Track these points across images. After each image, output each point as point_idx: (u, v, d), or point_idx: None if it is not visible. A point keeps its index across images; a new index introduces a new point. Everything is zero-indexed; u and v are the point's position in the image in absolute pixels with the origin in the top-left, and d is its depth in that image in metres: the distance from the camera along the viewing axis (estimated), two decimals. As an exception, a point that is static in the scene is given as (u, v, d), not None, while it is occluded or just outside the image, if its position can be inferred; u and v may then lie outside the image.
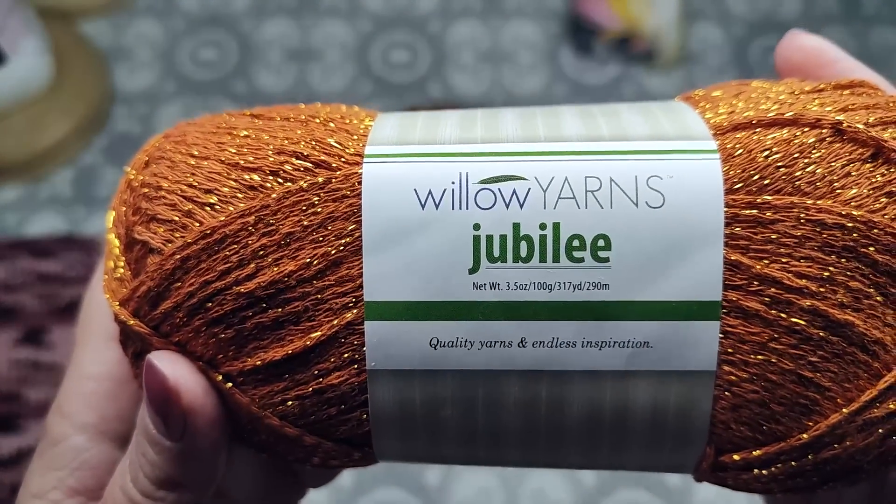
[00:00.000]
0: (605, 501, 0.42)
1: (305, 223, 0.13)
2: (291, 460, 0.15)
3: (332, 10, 0.58)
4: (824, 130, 0.13)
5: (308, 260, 0.13)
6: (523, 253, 0.13)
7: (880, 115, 0.13)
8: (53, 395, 0.17)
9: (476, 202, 0.13)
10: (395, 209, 0.13)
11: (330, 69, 0.56)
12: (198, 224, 0.13)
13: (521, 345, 0.13)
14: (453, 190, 0.13)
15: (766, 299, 0.13)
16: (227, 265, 0.13)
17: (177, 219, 0.14)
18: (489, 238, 0.13)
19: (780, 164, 0.13)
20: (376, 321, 0.13)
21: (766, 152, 0.13)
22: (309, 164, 0.14)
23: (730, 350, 0.13)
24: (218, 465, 0.14)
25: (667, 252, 0.13)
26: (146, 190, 0.14)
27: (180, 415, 0.13)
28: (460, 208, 0.13)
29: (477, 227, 0.13)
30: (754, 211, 0.13)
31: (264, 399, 0.14)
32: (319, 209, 0.13)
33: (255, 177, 0.13)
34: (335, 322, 0.13)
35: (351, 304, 0.13)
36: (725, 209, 0.13)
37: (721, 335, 0.13)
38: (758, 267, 0.13)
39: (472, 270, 0.13)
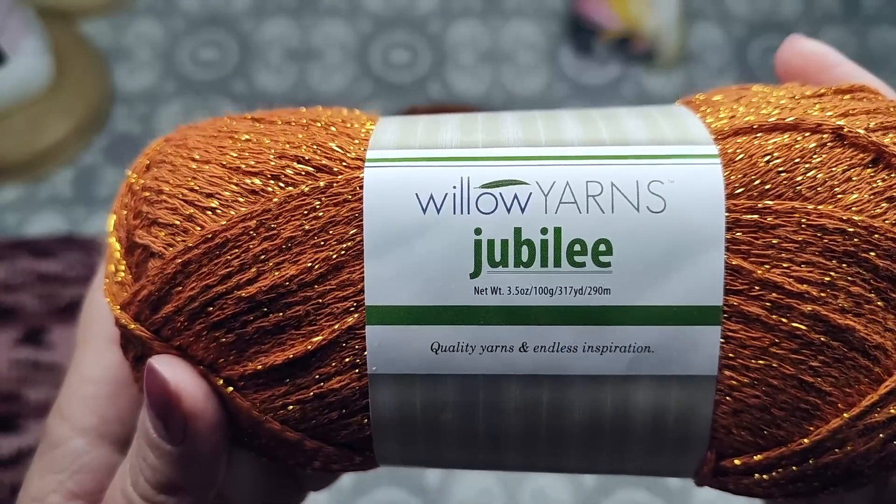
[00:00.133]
0: (606, 502, 0.42)
1: (307, 227, 0.13)
2: (292, 464, 0.15)
3: (332, 10, 0.58)
4: (825, 135, 0.13)
5: (309, 264, 0.13)
6: (524, 258, 0.13)
7: (881, 120, 0.14)
8: (53, 396, 0.17)
9: (477, 207, 0.13)
10: (396, 213, 0.13)
11: (330, 69, 0.56)
12: (199, 228, 0.13)
13: (522, 349, 0.13)
14: (454, 194, 0.13)
15: (767, 304, 0.13)
16: (228, 269, 0.13)
17: (178, 223, 0.14)
18: (490, 243, 0.13)
19: (780, 168, 0.13)
20: (377, 325, 0.13)
21: (767, 157, 0.13)
22: (310, 169, 0.14)
23: (731, 355, 0.13)
24: (218, 469, 0.14)
25: (668, 257, 0.13)
26: (147, 194, 0.14)
27: (181, 419, 0.13)
28: (461, 213, 0.13)
29: (478, 231, 0.13)
30: (755, 216, 0.13)
31: (265, 403, 0.14)
32: (321, 213, 0.13)
33: (257, 181, 0.13)
34: (336, 326, 0.13)
35: (352, 309, 0.13)
36: (726, 214, 0.13)
37: (722, 340, 0.13)
38: (759, 272, 0.13)
39: (474, 275, 0.13)
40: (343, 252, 0.13)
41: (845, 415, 0.13)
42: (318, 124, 0.14)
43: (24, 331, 0.42)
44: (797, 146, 0.13)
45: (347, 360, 0.13)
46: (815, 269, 0.13)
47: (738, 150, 0.13)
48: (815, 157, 0.13)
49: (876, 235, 0.13)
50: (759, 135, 0.13)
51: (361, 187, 0.13)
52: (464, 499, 0.42)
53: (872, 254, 0.13)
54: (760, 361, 0.13)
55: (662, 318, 0.13)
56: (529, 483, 0.42)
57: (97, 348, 0.16)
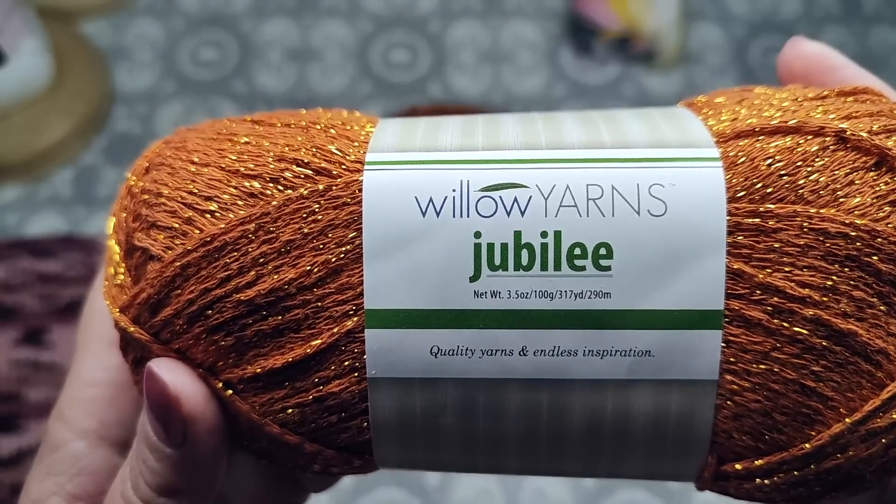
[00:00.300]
0: (606, 502, 0.42)
1: (306, 231, 0.13)
2: (292, 467, 0.15)
3: (332, 10, 0.58)
4: (828, 138, 0.13)
5: (308, 267, 0.13)
6: (524, 261, 0.13)
7: (884, 122, 0.13)
8: (53, 396, 0.16)
9: (477, 210, 0.13)
10: (395, 217, 0.13)
11: (330, 69, 0.56)
12: (198, 231, 0.13)
13: (522, 353, 0.13)
14: (454, 197, 0.13)
15: (769, 308, 0.13)
16: (227, 272, 0.13)
17: (177, 226, 0.14)
18: (490, 246, 0.13)
19: (783, 172, 0.13)
20: (377, 329, 0.13)
21: (769, 160, 0.13)
22: (309, 172, 0.13)
23: (732, 359, 0.13)
24: (218, 472, 0.14)
25: (669, 260, 0.13)
26: (146, 196, 0.14)
27: (181, 422, 0.13)
28: (461, 216, 0.13)
29: (478, 234, 0.13)
30: (757, 219, 0.13)
31: (264, 406, 0.14)
32: (320, 217, 0.13)
33: (256, 184, 0.13)
34: (335, 330, 0.13)
35: (351, 312, 0.13)
36: (728, 218, 0.13)
37: (723, 344, 0.13)
38: (760, 276, 0.13)
39: (473, 278, 0.13)
40: (342, 255, 0.13)
41: (847, 420, 0.13)
42: (318, 127, 0.14)
43: (24, 331, 0.42)
44: (799, 149, 0.13)
45: (347, 363, 0.13)
46: (817, 274, 0.13)
47: (739, 153, 0.13)
48: (817, 160, 0.13)
49: (879, 239, 0.12)
50: (761, 137, 0.13)
51: (361, 190, 0.13)
52: (464, 499, 0.42)
53: (875, 258, 0.12)
54: (762, 366, 0.13)
55: (663, 322, 0.13)
56: (529, 484, 0.42)
57: (97, 351, 0.16)
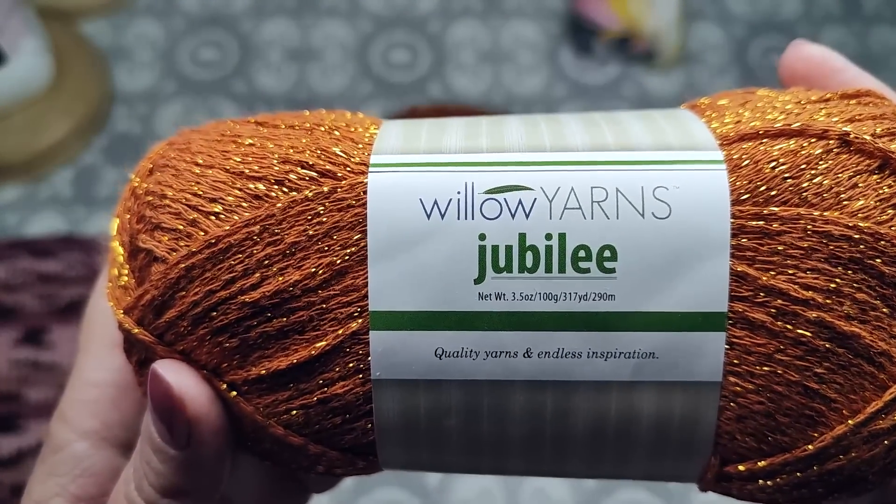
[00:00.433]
0: (606, 502, 0.42)
1: (310, 233, 0.13)
2: (295, 469, 0.15)
3: (332, 10, 0.58)
4: (831, 141, 0.13)
5: (313, 269, 0.13)
6: (529, 263, 0.13)
7: (887, 125, 0.13)
8: (53, 396, 0.16)
9: (482, 212, 0.13)
10: (400, 219, 0.13)
11: (330, 69, 0.56)
12: (202, 233, 0.13)
13: (526, 355, 0.13)
14: (459, 199, 0.13)
15: (773, 310, 0.13)
16: (231, 274, 0.13)
17: (181, 227, 0.14)
18: (495, 248, 0.13)
19: (786, 175, 0.13)
20: (381, 331, 0.13)
21: (773, 163, 0.13)
22: (314, 174, 0.13)
23: (735, 361, 0.13)
24: (222, 474, 0.14)
25: (673, 263, 0.13)
26: (150, 198, 0.14)
27: (185, 424, 0.13)
28: (466, 218, 0.13)
29: (482, 237, 0.13)
30: (761, 222, 0.13)
31: (269, 408, 0.14)
32: (324, 219, 0.13)
33: (261, 186, 0.13)
34: (340, 332, 0.13)
35: (356, 314, 0.13)
36: (732, 220, 0.13)
37: (727, 346, 0.13)
38: (764, 278, 0.13)
39: (478, 280, 0.13)
40: (347, 257, 0.13)
41: (850, 421, 0.13)
42: (322, 128, 0.14)
43: (24, 331, 0.42)
44: (803, 152, 0.13)
45: (351, 365, 0.13)
46: (821, 276, 0.13)
47: (743, 156, 0.13)
48: (821, 163, 0.13)
49: (882, 242, 0.13)
50: (764, 140, 0.13)
51: (365, 192, 0.13)
52: (464, 499, 0.42)
53: (878, 260, 0.13)
54: (765, 368, 0.13)
55: (667, 324, 0.13)
56: (530, 484, 0.42)
57: (100, 352, 0.16)
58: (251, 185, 0.13)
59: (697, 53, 0.56)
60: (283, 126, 0.15)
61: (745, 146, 0.13)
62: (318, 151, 0.14)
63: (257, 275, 0.13)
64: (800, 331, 0.13)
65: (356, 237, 0.13)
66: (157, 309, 0.14)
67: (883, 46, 0.57)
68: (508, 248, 0.13)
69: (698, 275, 0.13)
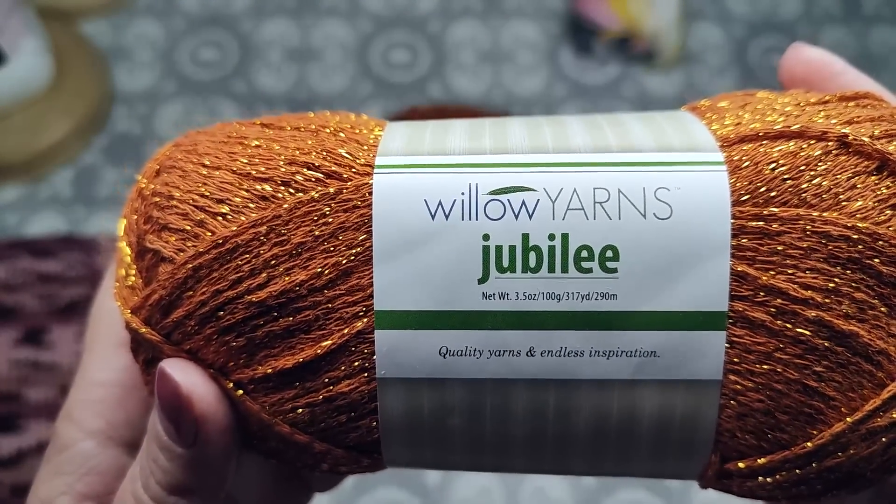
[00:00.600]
0: (606, 501, 0.42)
1: (316, 233, 0.13)
2: (300, 467, 0.15)
3: (332, 10, 0.58)
4: (830, 143, 0.13)
5: (319, 269, 0.13)
6: (532, 263, 0.13)
7: (885, 127, 0.14)
8: (53, 396, 0.17)
9: (485, 213, 0.13)
10: (405, 219, 0.13)
11: (330, 69, 0.56)
12: (210, 233, 0.14)
13: (529, 354, 0.13)
14: (463, 200, 0.13)
15: (772, 310, 0.13)
16: (238, 274, 0.13)
17: (189, 228, 0.14)
18: (498, 248, 0.13)
19: (786, 176, 0.13)
20: (386, 330, 0.13)
21: (773, 164, 0.13)
22: (320, 175, 0.14)
23: (736, 360, 0.13)
24: (228, 472, 0.15)
25: (674, 263, 0.13)
26: (158, 199, 0.14)
27: (192, 422, 0.13)
28: (470, 219, 0.13)
29: (486, 237, 0.13)
30: (761, 223, 0.13)
31: (275, 406, 0.14)
32: (330, 219, 0.13)
33: (267, 187, 0.14)
34: (346, 331, 0.13)
35: (361, 314, 0.13)
36: (732, 221, 0.13)
37: (727, 345, 0.13)
38: (764, 278, 0.13)
39: (482, 280, 0.13)
40: (352, 257, 0.13)
41: (848, 419, 0.13)
42: (327, 130, 0.15)
43: (24, 331, 0.42)
44: (802, 154, 0.13)
45: (356, 364, 0.13)
46: (820, 276, 0.13)
47: (743, 158, 0.13)
48: (820, 164, 0.13)
49: (880, 242, 0.13)
50: (764, 142, 0.14)
51: (371, 193, 0.13)
52: (464, 498, 0.42)
53: (876, 260, 0.13)
54: (765, 366, 0.13)
55: (668, 323, 0.13)
56: (530, 483, 0.42)
57: (105, 352, 0.16)
58: (258, 187, 0.14)
59: (697, 53, 0.56)
60: (289, 128, 0.15)
61: (745, 148, 0.14)
62: (324, 153, 0.14)
63: (264, 275, 0.13)
64: (799, 329, 0.13)
65: (361, 237, 0.13)
66: (164, 308, 0.14)
67: (883, 46, 0.57)
68: (512, 249, 0.13)
69: (699, 274, 0.13)
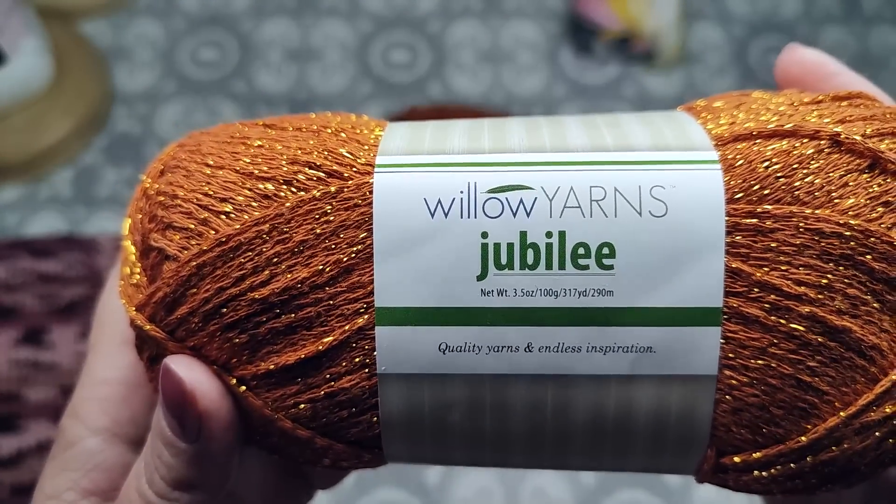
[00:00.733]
0: (606, 501, 0.42)
1: (318, 231, 0.13)
2: (302, 462, 0.15)
3: (332, 10, 0.58)
4: (823, 142, 0.14)
5: (321, 267, 0.13)
6: (530, 260, 0.13)
7: (877, 126, 0.14)
8: (53, 396, 0.17)
9: (484, 211, 0.13)
10: (405, 218, 0.13)
11: (330, 69, 0.56)
12: (213, 232, 0.14)
13: (527, 349, 0.13)
14: (462, 199, 0.13)
15: (766, 306, 0.13)
16: (241, 272, 0.13)
17: (192, 226, 0.14)
18: (497, 246, 0.13)
19: (779, 174, 0.13)
20: (387, 326, 0.13)
21: (766, 163, 0.13)
22: (322, 174, 0.14)
23: (731, 355, 0.13)
24: (231, 467, 0.15)
25: (670, 260, 0.13)
26: (162, 198, 0.15)
27: (196, 418, 0.14)
28: (469, 217, 0.13)
29: (485, 235, 0.13)
30: (754, 220, 0.13)
31: (277, 402, 0.14)
32: (332, 217, 0.13)
33: (270, 186, 0.14)
34: (347, 327, 0.13)
35: (362, 310, 0.13)
36: (727, 218, 0.13)
37: (722, 340, 0.13)
38: (758, 274, 0.13)
39: (481, 277, 0.13)
40: (353, 255, 0.13)
41: (842, 413, 0.13)
42: (329, 130, 0.15)
43: (24, 331, 0.42)
44: (795, 152, 0.14)
45: (357, 359, 0.14)
46: (813, 272, 0.13)
47: (737, 156, 0.14)
48: (812, 162, 0.13)
49: (872, 239, 0.13)
50: (758, 141, 0.14)
51: (371, 192, 0.14)
52: (464, 498, 0.42)
53: (868, 257, 0.13)
54: (759, 361, 0.13)
55: (664, 319, 0.13)
56: (529, 482, 0.43)
57: (110, 350, 0.17)
58: (261, 186, 0.14)
59: (697, 53, 0.57)
60: (291, 128, 0.15)
61: (739, 146, 0.14)
62: (326, 152, 0.14)
63: (266, 272, 0.13)
64: (793, 325, 0.13)
65: (362, 235, 0.13)
66: (168, 306, 0.14)
67: (883, 46, 0.57)
68: (510, 246, 0.13)
69: (694, 271, 0.13)
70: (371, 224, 0.13)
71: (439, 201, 0.13)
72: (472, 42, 0.57)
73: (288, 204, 0.14)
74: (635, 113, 0.16)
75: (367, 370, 0.14)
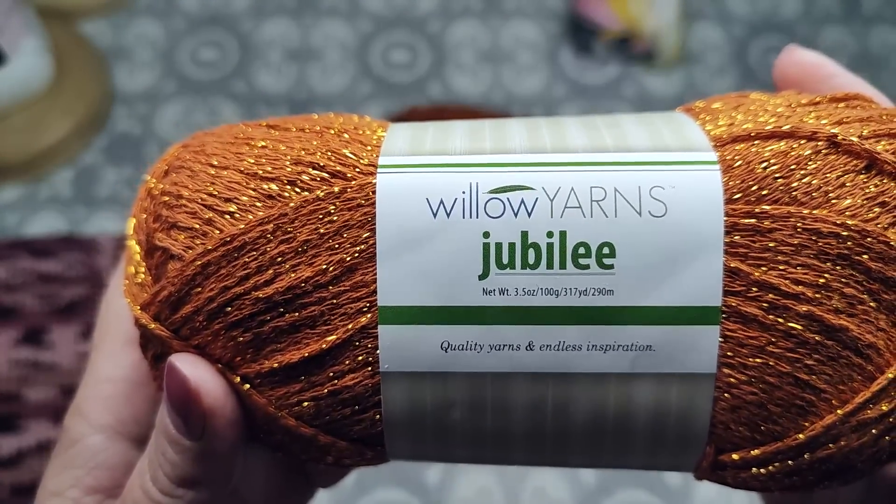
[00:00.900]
0: (606, 501, 0.42)
1: (322, 231, 0.14)
2: (305, 459, 0.15)
3: (332, 10, 0.59)
4: (820, 143, 0.14)
5: (324, 266, 0.14)
6: (531, 260, 0.13)
7: (874, 127, 0.14)
8: (53, 396, 0.17)
9: (486, 211, 0.14)
10: (407, 217, 0.14)
11: (330, 69, 0.56)
12: (218, 231, 0.14)
13: (528, 348, 0.14)
14: (464, 199, 0.14)
15: (765, 305, 0.13)
16: (246, 271, 0.14)
17: (197, 226, 0.14)
18: (498, 245, 0.13)
19: (777, 175, 0.13)
20: (389, 325, 0.14)
21: (765, 164, 0.14)
22: (325, 174, 0.14)
23: (729, 353, 0.13)
24: (235, 464, 0.15)
25: (669, 259, 0.13)
26: (167, 198, 0.15)
27: (200, 415, 0.14)
28: (471, 217, 0.13)
29: (486, 234, 0.13)
30: (753, 220, 0.13)
31: (281, 400, 0.14)
32: (335, 217, 0.14)
33: (274, 186, 0.14)
34: (350, 326, 0.14)
35: (365, 309, 0.14)
36: (725, 218, 0.13)
37: (721, 339, 0.13)
38: (756, 274, 0.13)
39: (482, 276, 0.13)
40: (357, 255, 0.14)
41: (839, 411, 0.13)
42: (332, 131, 0.15)
43: (24, 331, 0.42)
44: (793, 153, 0.14)
45: (360, 358, 0.14)
46: (811, 272, 0.13)
47: (736, 157, 0.14)
48: (810, 163, 0.14)
49: (869, 239, 0.13)
50: (756, 142, 0.14)
51: (374, 192, 0.14)
52: (464, 498, 0.42)
53: (865, 256, 0.13)
54: (758, 360, 0.13)
55: (664, 318, 0.13)
56: (529, 481, 0.43)
57: (113, 349, 0.17)
58: (265, 186, 0.14)
59: (697, 53, 0.57)
60: (294, 129, 0.15)
61: (737, 147, 0.14)
62: (329, 153, 0.14)
63: (270, 271, 0.14)
64: (791, 324, 0.13)
65: (365, 235, 0.14)
66: (173, 305, 0.14)
67: (883, 46, 0.57)
68: (511, 246, 0.13)
69: (693, 271, 0.13)
70: (374, 224, 0.14)
71: (441, 201, 0.14)
72: (472, 42, 0.57)
73: (292, 204, 0.14)
74: (635, 114, 0.16)
75: (369, 368, 0.14)
